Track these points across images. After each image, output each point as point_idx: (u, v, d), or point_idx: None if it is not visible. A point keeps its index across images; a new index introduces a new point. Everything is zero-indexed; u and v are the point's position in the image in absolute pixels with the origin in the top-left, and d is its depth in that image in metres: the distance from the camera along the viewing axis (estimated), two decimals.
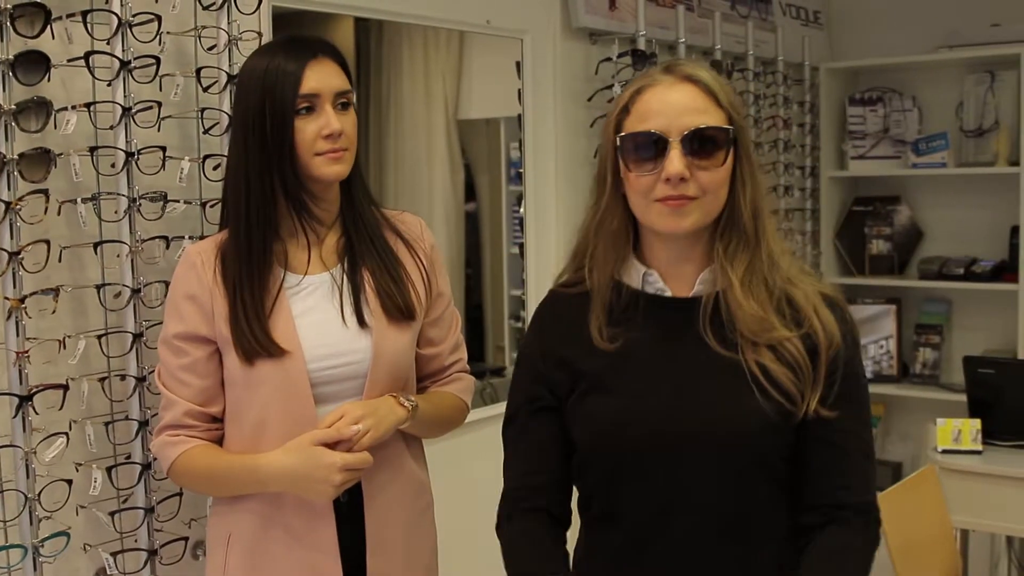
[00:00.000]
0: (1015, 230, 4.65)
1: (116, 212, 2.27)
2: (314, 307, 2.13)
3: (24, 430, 2.10)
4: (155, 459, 2.24)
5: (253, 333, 2.05)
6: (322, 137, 2.06)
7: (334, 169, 2.09)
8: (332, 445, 2.01)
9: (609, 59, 3.74)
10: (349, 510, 2.13)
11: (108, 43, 2.23)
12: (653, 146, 1.69)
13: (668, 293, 1.80)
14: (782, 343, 1.72)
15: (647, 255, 1.82)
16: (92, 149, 2.23)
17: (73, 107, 2.20)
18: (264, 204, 2.10)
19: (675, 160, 1.67)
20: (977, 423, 3.71)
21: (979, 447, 3.69)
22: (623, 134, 1.74)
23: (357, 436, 2.01)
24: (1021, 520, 3.59)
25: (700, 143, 1.68)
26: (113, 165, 2.25)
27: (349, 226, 2.18)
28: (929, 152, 4.83)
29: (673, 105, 1.70)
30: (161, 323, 2.19)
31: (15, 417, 2.09)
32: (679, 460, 1.73)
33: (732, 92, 1.76)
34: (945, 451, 3.71)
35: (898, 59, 4.93)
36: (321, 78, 2.07)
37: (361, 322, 2.13)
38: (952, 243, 4.97)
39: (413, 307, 2.18)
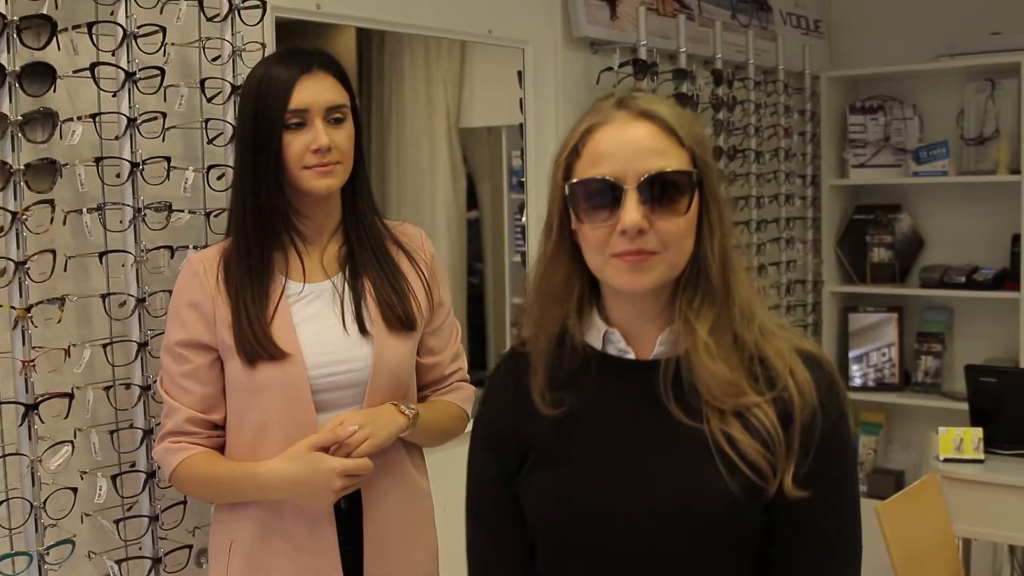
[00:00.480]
0: (1016, 238, 4.66)
1: (121, 222, 2.28)
2: (315, 314, 2.15)
3: (30, 438, 2.11)
4: (159, 467, 2.26)
5: (255, 335, 2.07)
6: (310, 151, 2.09)
7: (323, 183, 2.12)
8: (332, 452, 2.03)
9: (610, 69, 3.75)
10: (349, 516, 2.14)
11: (113, 54, 2.25)
12: (607, 194, 1.47)
13: (631, 355, 1.58)
14: (751, 409, 1.49)
15: (609, 312, 1.60)
16: (97, 159, 2.25)
17: (79, 118, 2.22)
18: (259, 214, 2.13)
19: (631, 210, 1.45)
20: (979, 432, 3.71)
21: (981, 456, 3.69)
22: (573, 181, 1.51)
23: (356, 440, 2.03)
24: (1023, 529, 3.59)
25: (660, 189, 1.46)
26: (118, 175, 2.27)
27: (351, 235, 2.21)
28: (930, 160, 4.84)
29: (628, 146, 1.48)
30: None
31: (21, 425, 2.10)
32: (632, 546, 1.52)
33: (697, 127, 1.55)
34: (947, 460, 3.72)
35: (898, 68, 4.92)
36: (312, 93, 2.10)
37: (362, 330, 2.15)
38: (953, 251, 4.97)
39: (414, 317, 2.20)
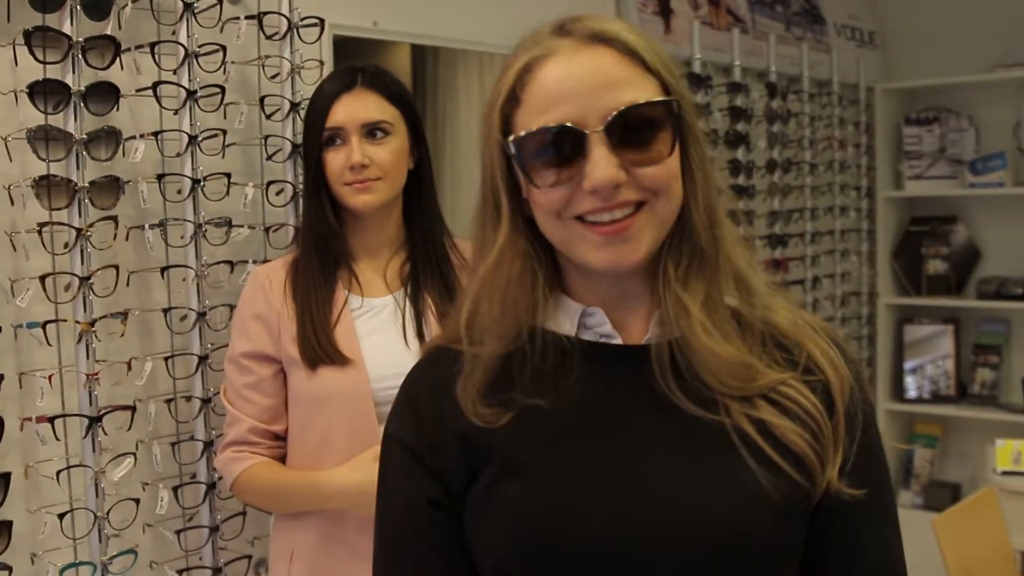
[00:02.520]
0: None
1: (182, 237, 2.32)
2: (377, 328, 2.17)
3: (94, 450, 2.14)
4: (220, 478, 2.29)
5: (318, 340, 2.10)
6: (347, 168, 2.13)
7: (360, 199, 2.15)
8: None
9: None
10: None
11: (175, 73, 2.29)
12: (566, 144, 1.13)
13: (617, 339, 1.22)
14: (778, 390, 1.17)
15: (579, 294, 1.24)
16: (159, 176, 2.28)
17: (141, 136, 2.25)
18: (314, 228, 2.19)
19: (599, 160, 1.11)
20: None
21: None
22: (518, 136, 1.16)
23: None
24: None
25: (635, 129, 1.13)
26: (179, 191, 2.30)
27: (416, 251, 2.24)
28: (986, 172, 4.79)
29: (585, 80, 1.13)
30: (226, 346, 2.25)
31: (85, 437, 2.13)
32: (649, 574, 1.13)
33: (661, 48, 1.19)
34: (1005, 472, 3.68)
35: (954, 79, 4.89)
36: (347, 111, 2.14)
37: (423, 344, 2.16)
38: (1010, 263, 4.92)
39: None
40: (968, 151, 4.92)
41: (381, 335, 2.17)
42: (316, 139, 2.15)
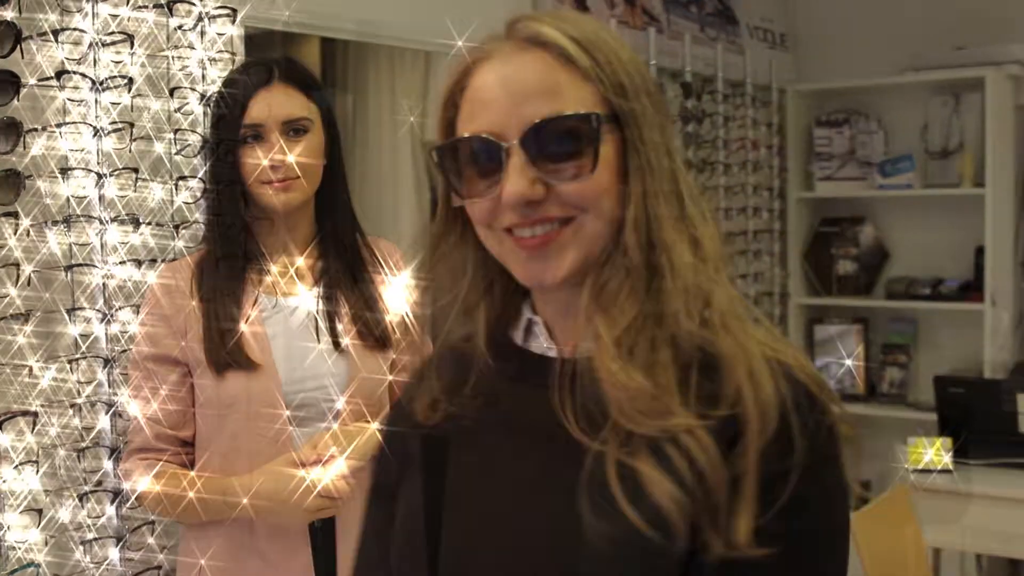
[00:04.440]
0: (980, 250, 4.68)
1: (86, 234, 2.23)
2: (289, 329, 2.12)
3: None
4: (127, 485, 2.21)
5: (224, 343, 2.04)
6: (267, 167, 2.06)
7: (280, 199, 2.09)
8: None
9: None
10: (324, 538, 2.10)
11: (80, 63, 2.20)
12: (486, 156, 1.08)
13: (553, 353, 1.17)
14: (678, 437, 1.01)
15: (535, 300, 1.20)
16: (63, 171, 2.19)
17: (43, 128, 2.16)
18: (224, 226, 2.12)
19: (512, 175, 1.06)
20: (948, 442, 3.73)
21: (950, 466, 3.71)
22: (438, 145, 1.14)
23: (333, 460, 2.00)
24: (992, 539, 3.61)
25: (555, 143, 1.07)
26: (84, 187, 2.22)
27: (329, 250, 2.18)
28: (895, 174, 4.86)
29: (510, 87, 1.08)
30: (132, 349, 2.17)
31: None
32: None
33: (615, 51, 1.10)
34: (917, 470, 3.73)
35: (864, 81, 4.95)
36: (268, 107, 2.07)
37: (336, 346, 2.11)
38: (918, 263, 4.99)
39: (389, 336, 2.17)
40: (877, 153, 4.98)
41: (292, 336, 2.12)
42: (232, 135, 2.07)
